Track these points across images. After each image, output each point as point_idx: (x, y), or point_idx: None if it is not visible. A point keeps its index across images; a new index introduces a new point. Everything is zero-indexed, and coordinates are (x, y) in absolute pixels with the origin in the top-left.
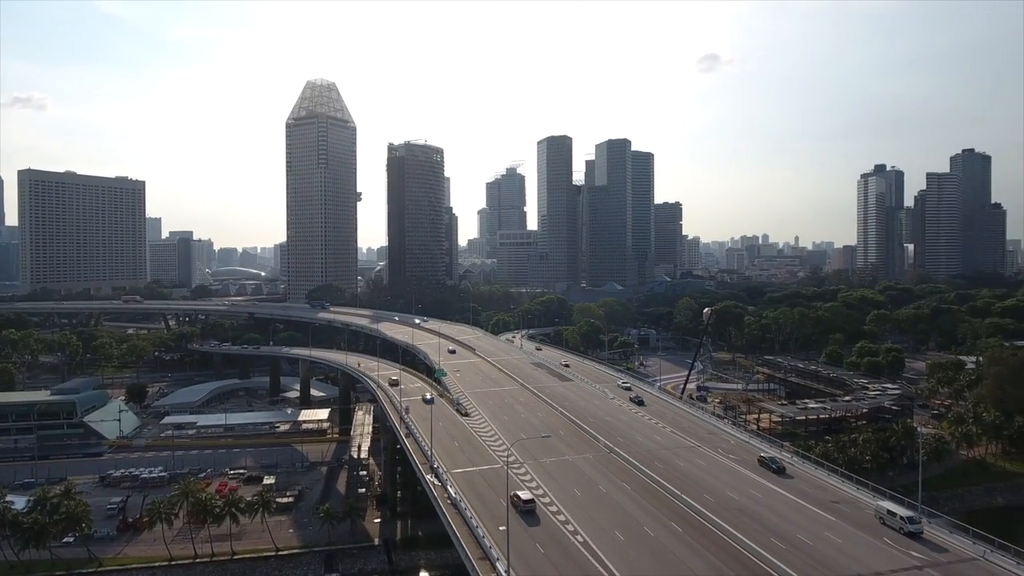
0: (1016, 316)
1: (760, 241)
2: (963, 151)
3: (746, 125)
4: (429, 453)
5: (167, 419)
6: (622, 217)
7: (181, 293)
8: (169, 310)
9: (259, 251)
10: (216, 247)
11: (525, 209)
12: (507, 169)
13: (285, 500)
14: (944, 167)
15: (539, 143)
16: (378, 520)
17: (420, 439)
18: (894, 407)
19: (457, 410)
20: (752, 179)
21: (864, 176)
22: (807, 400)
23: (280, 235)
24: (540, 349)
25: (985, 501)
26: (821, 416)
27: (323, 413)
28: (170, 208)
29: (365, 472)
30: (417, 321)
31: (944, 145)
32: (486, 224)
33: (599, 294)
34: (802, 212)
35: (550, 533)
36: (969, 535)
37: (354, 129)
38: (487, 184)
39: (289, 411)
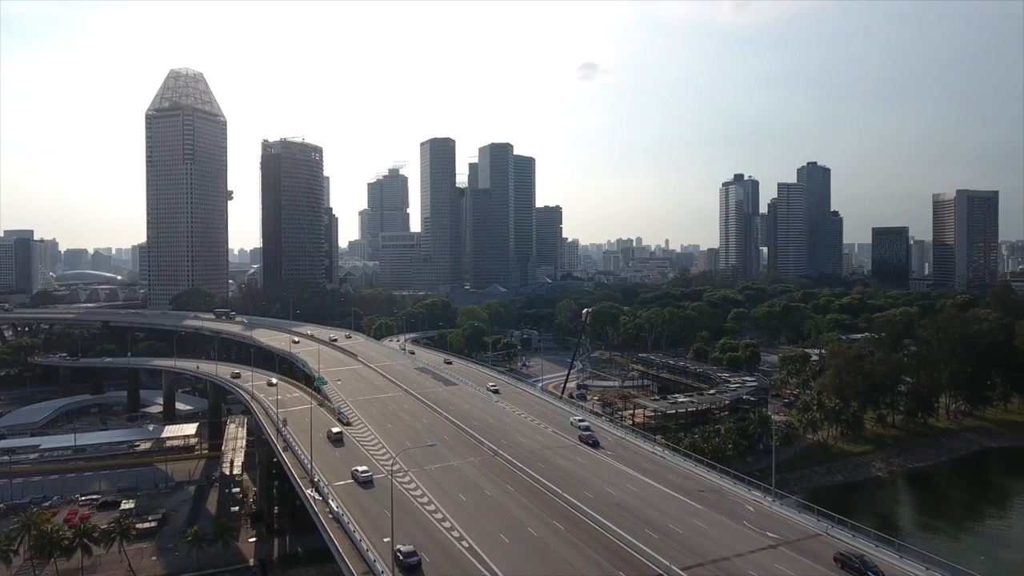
0: (851, 312)
1: (634, 244)
2: (808, 164)
3: (621, 132)
4: (309, 466)
5: (2, 443)
6: (505, 220)
7: (19, 300)
8: (5, 319)
9: (114, 252)
10: (62, 248)
11: (408, 211)
12: (390, 170)
13: (147, 525)
14: (792, 178)
15: (422, 144)
16: (253, 539)
17: (299, 452)
18: (752, 398)
19: (339, 419)
20: (627, 184)
21: (725, 184)
22: (677, 395)
23: (139, 235)
24: (450, 363)
25: (827, 479)
26: (689, 409)
27: (190, 428)
28: (5, 204)
29: (238, 489)
30: (332, 336)
31: (792, 157)
32: (368, 225)
33: (483, 296)
34: (672, 216)
35: (436, 541)
36: (814, 513)
37: (224, 123)
38: (369, 184)
39: (151, 427)
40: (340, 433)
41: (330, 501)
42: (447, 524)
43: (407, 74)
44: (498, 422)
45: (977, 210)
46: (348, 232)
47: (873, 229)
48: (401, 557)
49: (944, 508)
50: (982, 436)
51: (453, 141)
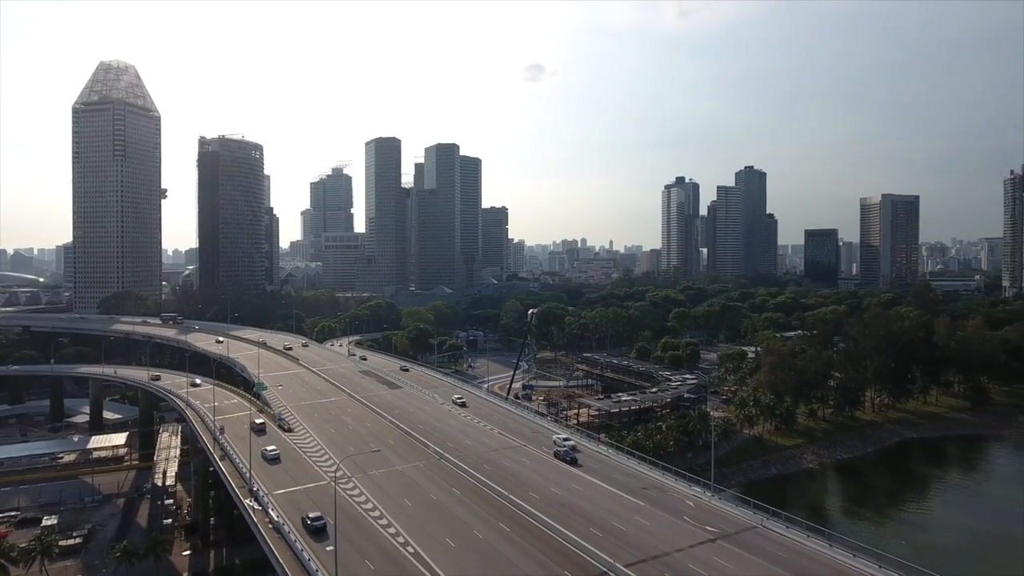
0: (785, 311)
1: (579, 244)
2: (745, 168)
3: (567, 134)
4: (248, 475)
5: None
6: (451, 221)
7: None
8: None
9: (36, 253)
10: None
11: (352, 211)
12: (333, 169)
13: (71, 542)
14: (731, 181)
15: (367, 144)
16: (187, 552)
17: (237, 460)
18: (692, 395)
19: (279, 426)
20: (572, 185)
21: (667, 187)
22: (621, 393)
23: (64, 235)
24: (407, 370)
25: (762, 472)
26: (632, 408)
27: (120, 438)
28: None
29: (172, 501)
30: (286, 344)
31: (731, 161)
32: (310, 225)
33: (428, 297)
34: (616, 217)
35: (380, 547)
36: (750, 506)
37: (158, 119)
38: (311, 184)
39: (76, 438)
40: (263, 424)
41: (270, 511)
42: (392, 530)
43: (351, 72)
44: (444, 425)
45: (900, 213)
46: (290, 232)
47: (805, 231)
48: (309, 522)
49: (869, 496)
50: (903, 427)
51: (398, 141)
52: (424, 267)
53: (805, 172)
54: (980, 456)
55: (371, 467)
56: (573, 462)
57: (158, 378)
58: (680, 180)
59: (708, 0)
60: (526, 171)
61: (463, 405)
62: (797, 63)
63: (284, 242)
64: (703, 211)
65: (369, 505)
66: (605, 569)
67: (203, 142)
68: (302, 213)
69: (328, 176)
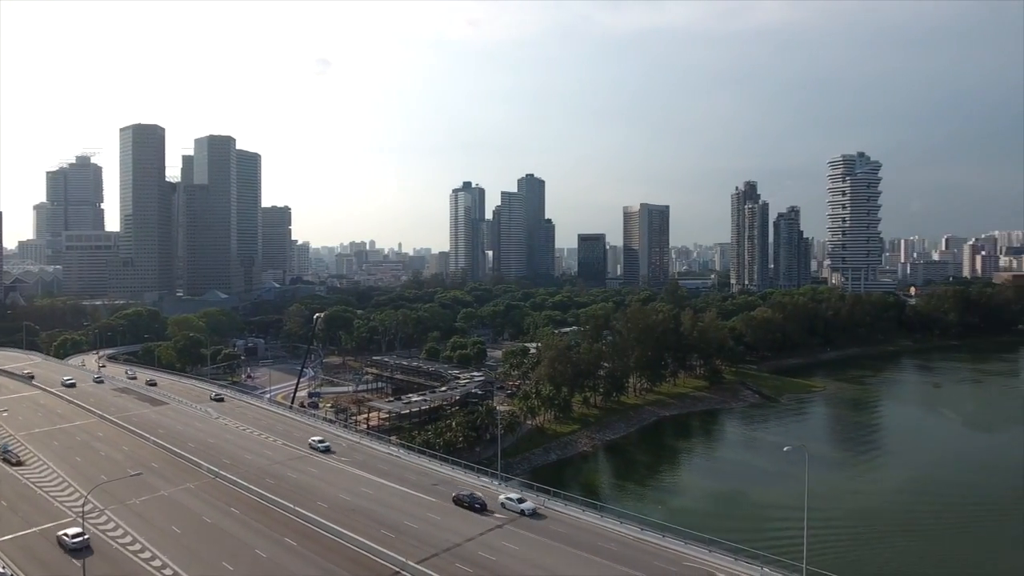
0: (561, 309)
1: (368, 247)
2: (526, 175)
3: (356, 134)
4: None
5: None
6: (226, 220)
7: None
8: None
9: None
10: None
11: (103, 206)
12: (78, 157)
13: None
14: (514, 187)
15: (122, 131)
16: None
17: None
18: (480, 391)
19: (5, 459)
20: (361, 186)
21: (455, 191)
22: (411, 394)
23: None
24: (221, 399)
25: (544, 459)
26: (423, 408)
27: None
28: None
29: None
30: (67, 380)
31: (513, 168)
32: (46, 222)
33: (200, 304)
34: (405, 220)
35: None
36: (534, 490)
37: None
38: (49, 174)
39: None
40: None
41: None
42: (157, 563)
43: (106, 52)
44: (219, 440)
45: (655, 220)
46: (18, 230)
47: (578, 235)
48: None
49: (632, 471)
50: (659, 408)
51: (162, 129)
52: (194, 270)
53: (579, 181)
54: (716, 426)
55: (130, 496)
56: (481, 509)
57: None
58: (467, 185)
59: (495, 12)
60: (312, 171)
61: (327, 450)
62: (574, 81)
63: (11, 242)
64: (488, 215)
65: (128, 539)
66: (397, 569)
67: None
68: (35, 207)
69: (71, 165)
